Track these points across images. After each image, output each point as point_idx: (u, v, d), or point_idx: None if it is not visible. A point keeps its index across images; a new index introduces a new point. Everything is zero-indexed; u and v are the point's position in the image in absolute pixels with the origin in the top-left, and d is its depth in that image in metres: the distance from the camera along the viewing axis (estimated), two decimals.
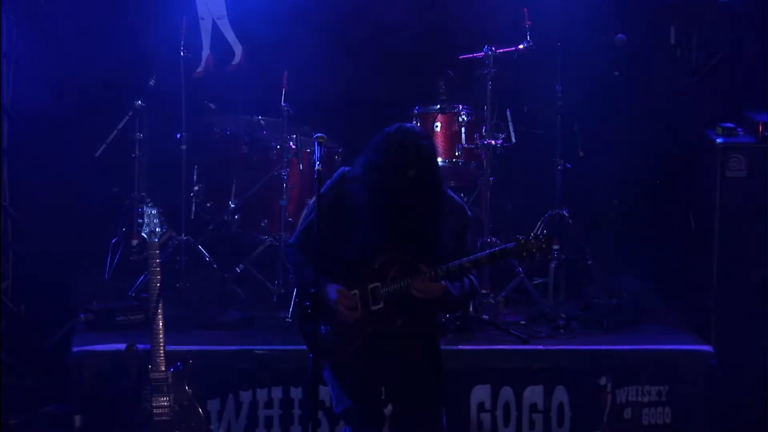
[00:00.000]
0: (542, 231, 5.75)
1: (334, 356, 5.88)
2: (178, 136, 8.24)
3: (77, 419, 7.11)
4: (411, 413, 5.95)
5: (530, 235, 5.79)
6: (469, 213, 6.03)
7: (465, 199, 7.86)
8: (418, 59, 8.50)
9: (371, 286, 5.81)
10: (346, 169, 5.95)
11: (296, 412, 7.26)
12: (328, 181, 5.95)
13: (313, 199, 6.01)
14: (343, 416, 6.00)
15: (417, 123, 8.18)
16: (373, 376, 5.93)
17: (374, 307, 5.82)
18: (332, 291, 5.79)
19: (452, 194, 6.01)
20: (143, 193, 8.23)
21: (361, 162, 5.90)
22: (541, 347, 7.51)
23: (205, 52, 8.81)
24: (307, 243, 5.90)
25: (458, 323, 7.68)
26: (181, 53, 8.22)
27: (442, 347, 7.21)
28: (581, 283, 8.40)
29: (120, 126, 8.36)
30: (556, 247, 8.27)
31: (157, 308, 6.66)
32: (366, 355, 5.87)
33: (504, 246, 5.85)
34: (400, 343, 5.89)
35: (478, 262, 5.80)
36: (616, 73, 8.66)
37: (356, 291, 5.82)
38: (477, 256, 5.80)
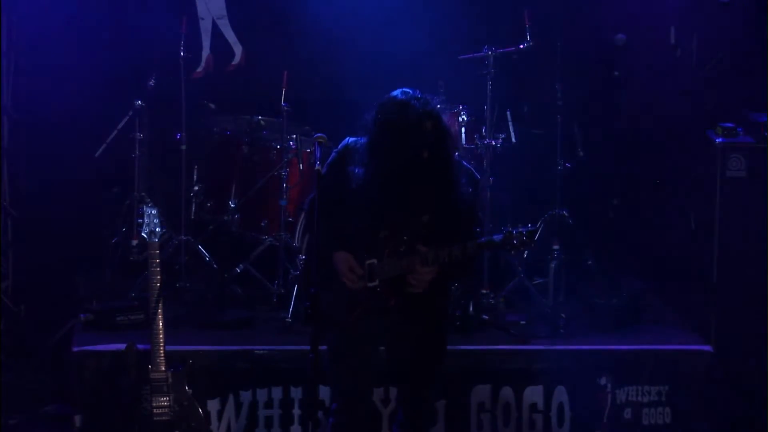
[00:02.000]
0: (528, 226, 5.72)
1: (334, 328, 5.89)
2: (178, 136, 8.24)
3: (77, 419, 7.11)
4: (407, 386, 6.04)
5: (516, 229, 5.76)
6: (477, 176, 6.05)
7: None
8: (418, 59, 8.50)
9: (368, 262, 5.81)
10: (352, 139, 5.95)
11: (296, 412, 7.26)
12: (333, 153, 5.96)
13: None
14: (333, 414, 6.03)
15: None
16: (371, 353, 5.97)
17: (370, 284, 5.83)
18: (340, 259, 5.82)
19: (458, 157, 6.02)
20: (143, 193, 8.23)
21: (365, 142, 5.88)
22: (541, 347, 7.51)
23: (205, 52, 8.81)
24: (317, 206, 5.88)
25: (458, 323, 7.68)
26: (181, 53, 8.22)
27: None
28: (581, 283, 8.40)
29: (120, 126, 8.36)
30: (556, 247, 8.28)
31: (157, 308, 6.66)
32: (365, 329, 5.89)
33: (491, 237, 5.83)
34: (399, 318, 5.90)
35: (465, 250, 5.77)
36: (616, 73, 8.66)
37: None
38: (465, 245, 5.77)
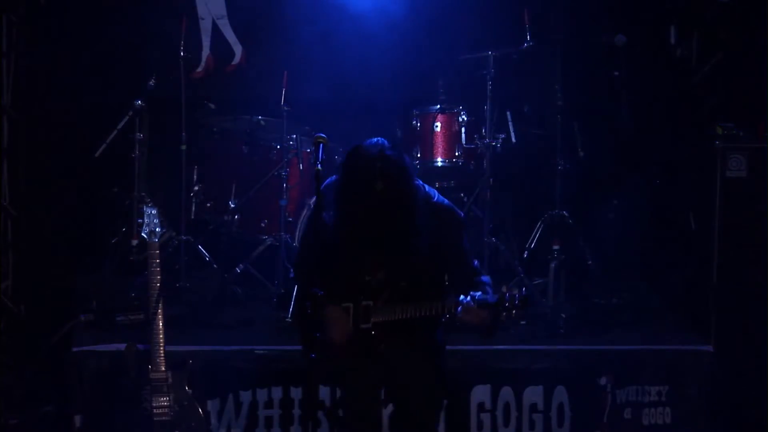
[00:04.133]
0: (524, 290, 5.75)
1: (328, 363, 5.92)
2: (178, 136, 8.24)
3: (77, 419, 7.11)
4: (406, 417, 6.03)
5: (510, 292, 5.78)
6: (460, 214, 6.03)
7: (464, 198, 7.89)
8: (418, 59, 8.50)
9: (364, 303, 5.84)
10: (331, 180, 5.98)
11: (296, 412, 7.26)
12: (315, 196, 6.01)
13: (304, 213, 6.07)
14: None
15: (417, 123, 8.19)
16: (369, 380, 5.99)
17: (363, 326, 5.86)
18: (331, 312, 5.87)
19: (441, 198, 6.01)
20: (143, 193, 8.23)
21: (332, 182, 5.97)
22: (541, 347, 7.50)
23: (205, 52, 8.81)
24: (303, 262, 6.04)
25: (458, 323, 7.67)
26: (181, 53, 8.22)
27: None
28: (581, 283, 8.40)
29: (120, 126, 8.36)
30: (556, 247, 8.27)
31: (157, 308, 6.66)
32: (362, 360, 5.93)
33: (486, 299, 5.81)
34: (396, 351, 5.94)
35: (460, 305, 5.79)
36: (616, 73, 8.66)
37: (350, 305, 5.84)
38: (458, 301, 5.79)
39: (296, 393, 7.24)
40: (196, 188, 8.29)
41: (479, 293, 5.80)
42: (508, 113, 8.25)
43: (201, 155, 8.34)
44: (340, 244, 5.87)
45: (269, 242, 8.08)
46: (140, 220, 6.77)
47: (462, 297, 5.78)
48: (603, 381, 7.39)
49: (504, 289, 5.78)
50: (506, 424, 7.36)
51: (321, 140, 5.77)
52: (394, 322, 5.87)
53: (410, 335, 5.94)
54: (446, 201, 6.04)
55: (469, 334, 6.78)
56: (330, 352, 5.87)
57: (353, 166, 5.85)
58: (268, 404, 7.26)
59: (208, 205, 8.30)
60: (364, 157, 5.83)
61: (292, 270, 6.12)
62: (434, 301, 5.82)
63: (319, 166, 5.69)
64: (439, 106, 8.16)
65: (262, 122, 8.32)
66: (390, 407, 7.08)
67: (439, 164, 8.10)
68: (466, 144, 8.11)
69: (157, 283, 6.69)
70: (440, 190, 6.16)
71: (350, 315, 5.89)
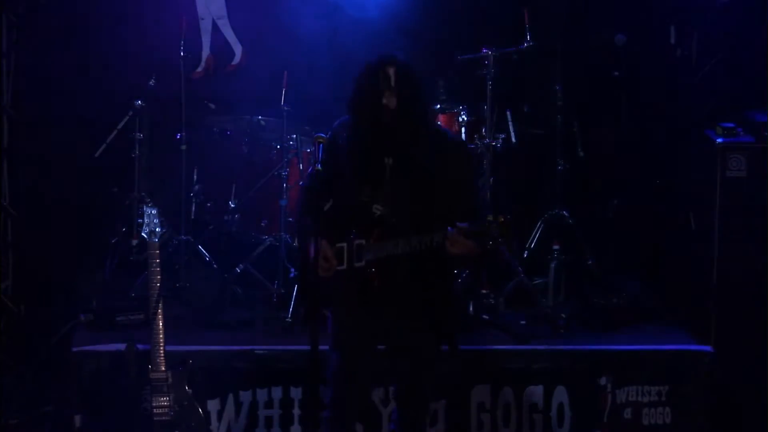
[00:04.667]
0: (509, 216, 5.69)
1: (329, 305, 5.89)
2: (178, 136, 8.24)
3: (77, 419, 7.11)
4: (404, 381, 6.02)
5: (496, 221, 5.72)
6: (468, 148, 6.04)
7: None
8: (418, 59, 8.49)
9: (357, 242, 5.80)
10: (345, 118, 5.97)
11: (296, 412, 7.26)
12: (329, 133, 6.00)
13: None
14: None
15: None
16: (366, 328, 5.92)
17: (357, 264, 5.82)
18: (317, 246, 5.76)
19: (445, 129, 6.01)
20: (143, 193, 8.23)
21: (344, 120, 5.95)
22: (541, 347, 7.50)
23: (205, 52, 8.81)
24: (312, 188, 5.91)
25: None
26: (181, 53, 8.22)
27: (442, 347, 7.27)
28: (581, 283, 8.39)
29: (120, 126, 8.36)
30: (556, 247, 8.28)
31: (157, 308, 6.66)
32: (356, 308, 5.87)
33: (472, 227, 5.72)
34: (386, 301, 5.87)
35: (448, 235, 5.72)
36: (616, 73, 8.66)
37: (344, 245, 5.82)
38: (446, 230, 5.72)
39: (296, 393, 7.25)
40: (196, 188, 8.29)
41: (465, 223, 5.75)
42: (508, 113, 8.25)
43: (201, 155, 8.34)
44: (349, 169, 5.82)
45: (269, 242, 8.08)
46: (140, 220, 6.77)
47: (450, 228, 5.72)
48: (603, 381, 7.39)
49: (489, 217, 5.75)
50: (506, 424, 7.36)
51: (321, 140, 5.76)
52: (386, 261, 5.81)
53: (413, 279, 5.87)
54: (452, 133, 6.03)
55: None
56: (329, 290, 5.82)
57: (362, 75, 5.85)
58: (268, 404, 7.26)
59: (208, 205, 8.30)
60: (375, 62, 5.83)
61: (300, 193, 6.03)
62: (424, 235, 5.75)
63: (319, 165, 5.68)
64: (439, 106, 8.16)
65: (262, 122, 8.32)
66: (390, 407, 7.12)
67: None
68: None
69: (157, 283, 6.69)
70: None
71: (345, 255, 5.83)
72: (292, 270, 7.80)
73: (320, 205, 5.87)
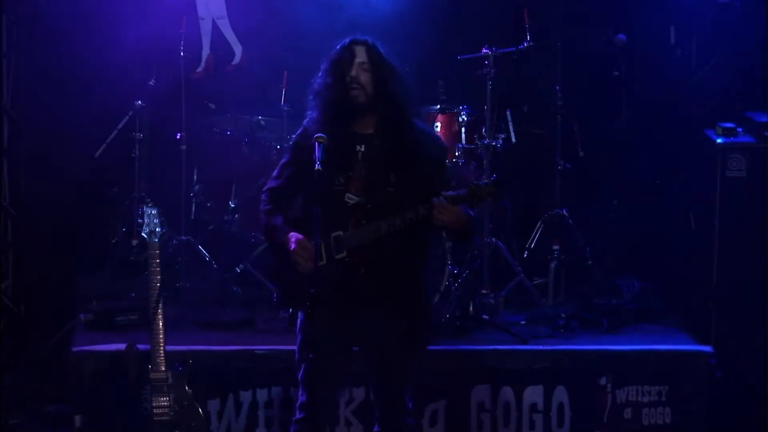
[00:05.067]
0: (493, 176, 5.65)
1: (303, 306, 5.78)
2: (178, 136, 8.25)
3: (77, 419, 7.11)
4: (380, 361, 5.91)
5: (482, 181, 5.70)
6: (444, 144, 5.99)
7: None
8: (418, 59, 8.50)
9: (334, 234, 5.75)
10: (314, 113, 5.93)
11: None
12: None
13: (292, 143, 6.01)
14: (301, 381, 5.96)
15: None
16: (342, 328, 5.80)
17: (338, 256, 5.76)
18: (293, 242, 5.74)
19: (422, 124, 5.95)
20: (143, 193, 8.24)
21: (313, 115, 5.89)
22: (541, 347, 7.51)
23: (205, 52, 8.81)
24: (276, 187, 5.90)
25: (458, 323, 7.68)
26: (181, 53, 8.22)
27: (442, 347, 7.28)
28: (581, 283, 8.40)
29: (120, 126, 8.37)
30: (556, 247, 8.28)
31: (157, 308, 6.66)
32: (337, 306, 5.75)
33: (458, 193, 5.69)
34: (371, 292, 5.79)
35: (432, 205, 5.65)
36: (616, 73, 8.67)
37: (321, 241, 5.75)
38: (431, 201, 5.65)
39: (296, 393, 7.22)
40: (196, 188, 8.30)
41: (449, 191, 5.69)
42: (508, 113, 8.25)
43: (201, 155, 8.35)
44: (320, 162, 5.70)
45: None
46: (140, 220, 6.77)
47: (434, 199, 5.65)
48: (603, 381, 7.39)
49: (474, 180, 5.72)
50: (506, 424, 7.36)
51: (321, 140, 5.75)
52: (369, 248, 5.73)
53: (386, 267, 5.78)
54: (426, 127, 5.98)
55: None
56: (303, 285, 5.70)
57: (330, 56, 5.82)
58: (268, 404, 7.26)
59: (208, 205, 8.31)
60: (341, 45, 5.81)
61: (263, 200, 5.92)
62: (407, 212, 5.66)
63: (319, 166, 5.68)
64: (439, 106, 8.16)
65: (262, 122, 8.32)
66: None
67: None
68: (466, 144, 8.11)
69: (157, 283, 6.69)
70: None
71: (322, 250, 5.75)
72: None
73: (288, 203, 5.87)
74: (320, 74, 5.88)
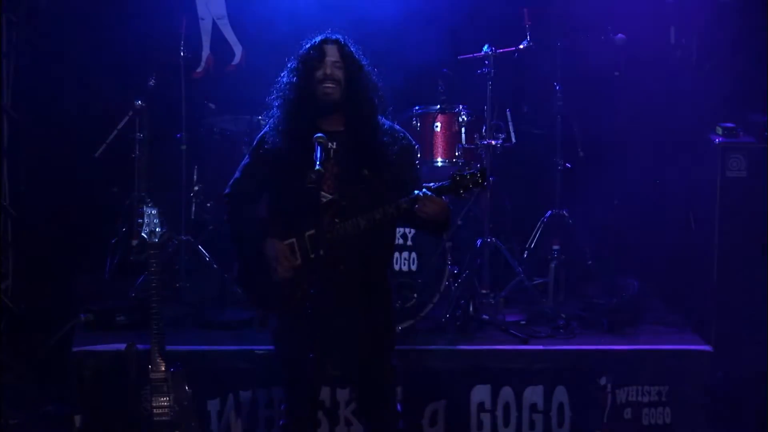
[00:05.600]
0: (478, 165, 5.63)
1: (282, 308, 5.80)
2: (178, 136, 8.25)
3: (77, 419, 7.11)
4: (362, 368, 5.92)
5: (466, 171, 5.68)
6: (413, 142, 5.98)
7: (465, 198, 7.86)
8: (418, 59, 8.50)
9: (308, 233, 5.74)
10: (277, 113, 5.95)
11: None
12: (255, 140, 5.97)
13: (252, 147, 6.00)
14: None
15: (417, 123, 8.18)
16: (319, 331, 5.75)
17: (313, 255, 5.74)
18: (271, 247, 5.73)
19: (390, 122, 5.95)
20: (143, 193, 8.23)
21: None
22: (541, 347, 7.51)
23: (205, 52, 8.81)
24: (239, 191, 5.91)
25: (458, 323, 7.68)
26: (181, 53, 8.22)
27: (442, 347, 7.30)
28: (581, 283, 8.40)
29: (120, 126, 8.36)
30: (556, 247, 8.28)
31: (157, 308, 6.66)
32: (313, 308, 5.71)
33: (441, 184, 5.69)
34: (349, 290, 5.80)
35: (415, 199, 5.65)
36: (616, 73, 8.66)
37: (293, 240, 5.75)
38: (415, 194, 5.65)
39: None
40: (196, 188, 8.30)
41: (431, 184, 5.69)
42: (508, 113, 8.25)
43: (201, 155, 8.35)
44: (289, 155, 5.72)
45: None
46: (140, 220, 6.77)
47: (416, 192, 5.63)
48: (603, 381, 7.39)
49: (457, 170, 5.70)
50: (506, 424, 7.37)
51: (321, 140, 5.75)
52: (347, 244, 5.70)
53: (364, 262, 5.78)
54: (395, 125, 5.98)
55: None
56: (284, 291, 5.71)
57: (300, 54, 5.84)
58: (268, 404, 7.26)
59: (208, 205, 8.31)
60: (312, 42, 5.83)
61: (225, 203, 5.95)
62: (387, 206, 5.66)
63: (318, 166, 5.68)
64: (439, 106, 8.16)
65: (262, 122, 8.30)
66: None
67: (439, 164, 8.10)
68: (466, 144, 8.10)
69: (157, 283, 6.69)
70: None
71: (297, 249, 5.76)
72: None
73: (251, 207, 5.87)
74: (288, 73, 5.89)
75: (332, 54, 5.82)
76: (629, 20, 8.66)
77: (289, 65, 5.91)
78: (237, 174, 5.99)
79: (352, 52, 5.86)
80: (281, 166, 5.79)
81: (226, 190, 6.00)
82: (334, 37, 5.87)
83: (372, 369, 5.93)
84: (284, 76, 5.90)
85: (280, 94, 5.89)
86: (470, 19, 8.71)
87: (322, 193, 5.75)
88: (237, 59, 8.85)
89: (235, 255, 6.06)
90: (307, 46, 5.89)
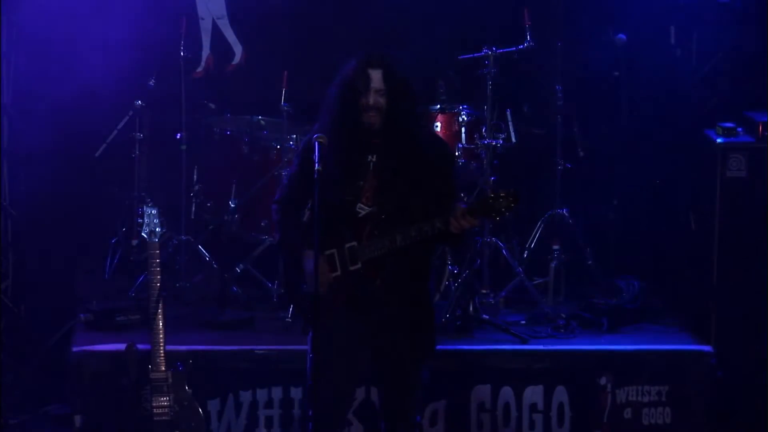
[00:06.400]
0: (511, 189, 5.58)
1: (319, 318, 5.81)
2: (178, 136, 8.25)
3: (77, 419, 7.11)
4: (393, 377, 5.88)
5: (499, 193, 5.62)
6: (451, 152, 5.97)
7: (465, 198, 7.87)
8: (418, 59, 8.50)
9: (348, 245, 5.75)
10: (317, 126, 5.93)
11: (296, 412, 7.26)
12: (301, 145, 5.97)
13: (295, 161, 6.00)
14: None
15: None
16: (355, 341, 5.79)
17: (352, 268, 5.76)
18: (308, 261, 5.72)
19: (430, 131, 5.95)
20: (143, 193, 8.23)
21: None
22: (541, 347, 7.51)
23: (205, 52, 8.81)
24: (287, 198, 5.91)
25: (458, 323, 7.68)
26: (181, 53, 8.22)
27: (443, 347, 7.29)
28: (581, 283, 8.40)
29: (120, 126, 8.37)
30: (556, 247, 8.28)
31: (157, 308, 6.66)
32: (349, 318, 5.75)
33: (473, 204, 5.65)
34: (383, 302, 5.78)
35: (447, 219, 5.62)
36: (616, 73, 8.66)
37: (333, 250, 5.76)
38: (447, 214, 5.62)
39: (296, 393, 7.25)
40: (196, 188, 8.30)
41: (462, 203, 5.68)
42: (508, 113, 8.25)
43: (201, 155, 8.34)
44: (331, 171, 5.70)
45: (269, 242, 8.07)
46: (140, 220, 6.77)
47: (452, 207, 5.62)
48: (603, 381, 7.39)
49: (489, 191, 5.68)
50: (506, 424, 7.36)
51: (321, 140, 5.75)
52: (384, 258, 5.72)
53: (400, 278, 5.77)
54: (438, 136, 5.97)
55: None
56: (322, 303, 5.68)
57: (345, 74, 5.79)
58: (268, 404, 7.26)
59: (208, 205, 8.30)
60: (358, 64, 5.77)
61: (274, 210, 5.96)
62: (423, 224, 5.65)
63: (318, 166, 5.68)
64: (439, 106, 8.16)
65: (262, 122, 8.32)
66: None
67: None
68: (466, 144, 8.10)
69: (157, 283, 6.69)
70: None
71: (336, 261, 5.76)
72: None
73: (300, 214, 5.88)
74: (332, 94, 5.84)
75: (377, 81, 5.74)
76: (629, 20, 8.66)
77: (335, 82, 5.83)
78: (284, 181, 6.01)
79: (396, 74, 5.78)
80: (322, 179, 5.77)
81: (276, 197, 6.01)
82: (378, 59, 5.78)
83: (403, 376, 5.89)
84: (331, 96, 5.83)
85: (328, 114, 5.84)
86: (470, 19, 8.71)
87: (361, 205, 5.76)
88: (237, 59, 8.85)
89: (281, 261, 6.03)
90: (351, 67, 5.80)
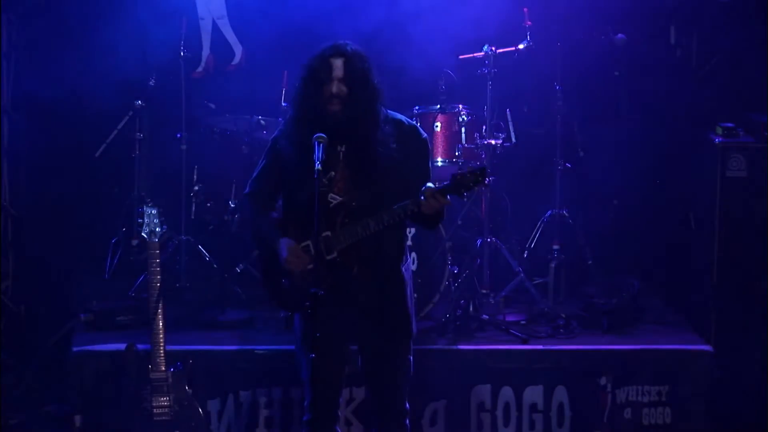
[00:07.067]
0: (477, 164, 5.59)
1: (299, 308, 5.85)
2: (178, 136, 8.25)
3: (77, 419, 7.11)
4: (378, 362, 5.92)
5: (466, 171, 5.67)
6: (423, 135, 5.98)
7: (465, 198, 7.87)
8: (418, 58, 8.50)
9: (323, 234, 5.76)
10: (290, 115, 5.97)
11: (296, 412, 7.26)
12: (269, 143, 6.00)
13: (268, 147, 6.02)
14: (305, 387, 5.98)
15: (417, 122, 8.18)
16: (338, 328, 5.83)
17: (329, 257, 5.79)
18: (284, 248, 5.76)
19: (400, 116, 5.96)
20: (143, 193, 8.24)
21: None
22: (541, 347, 7.51)
23: (205, 52, 8.81)
24: (258, 190, 5.94)
25: (458, 323, 7.68)
26: (181, 53, 8.23)
27: (443, 347, 7.29)
28: (581, 283, 8.40)
29: (120, 126, 8.37)
30: (556, 247, 8.28)
31: (157, 308, 6.66)
32: (331, 306, 5.75)
33: (444, 185, 5.68)
34: (364, 290, 5.83)
35: (418, 202, 5.66)
36: (616, 73, 8.67)
37: (308, 242, 5.77)
38: (418, 197, 5.66)
39: (296, 393, 7.25)
40: (196, 188, 8.30)
41: (433, 185, 5.70)
42: (508, 113, 8.25)
43: (201, 155, 8.35)
44: (298, 162, 5.75)
45: None
46: (140, 220, 6.77)
47: (423, 188, 5.64)
48: (603, 381, 7.39)
49: (457, 170, 5.68)
50: (506, 424, 7.37)
51: (321, 140, 5.75)
52: (359, 245, 5.76)
53: (377, 263, 5.83)
54: (405, 118, 5.99)
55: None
56: (300, 293, 5.73)
57: (309, 65, 5.82)
58: (268, 404, 7.26)
59: (208, 205, 8.31)
60: (321, 55, 5.81)
61: (246, 203, 6.00)
62: (393, 208, 5.69)
63: (318, 165, 5.68)
64: (439, 106, 8.16)
65: (262, 122, 8.32)
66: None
67: (440, 164, 8.10)
68: (466, 144, 8.10)
69: (157, 283, 6.69)
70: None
71: (311, 251, 5.77)
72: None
73: (271, 206, 5.90)
74: (298, 84, 5.89)
75: (338, 69, 5.80)
76: (629, 20, 8.66)
77: (300, 73, 5.88)
78: (255, 174, 6.02)
79: (357, 63, 5.81)
80: (291, 171, 5.80)
81: (246, 190, 6.04)
82: (341, 48, 5.84)
83: (387, 359, 5.94)
84: (295, 86, 5.88)
85: (293, 102, 5.89)
86: (470, 19, 8.71)
87: (333, 195, 5.79)
88: (237, 59, 8.85)
89: (258, 255, 6.07)
90: (315, 56, 5.86)
